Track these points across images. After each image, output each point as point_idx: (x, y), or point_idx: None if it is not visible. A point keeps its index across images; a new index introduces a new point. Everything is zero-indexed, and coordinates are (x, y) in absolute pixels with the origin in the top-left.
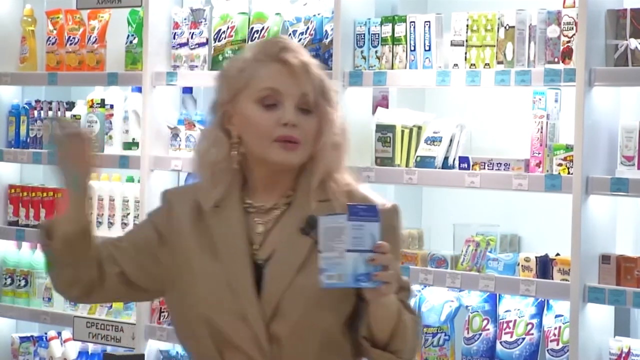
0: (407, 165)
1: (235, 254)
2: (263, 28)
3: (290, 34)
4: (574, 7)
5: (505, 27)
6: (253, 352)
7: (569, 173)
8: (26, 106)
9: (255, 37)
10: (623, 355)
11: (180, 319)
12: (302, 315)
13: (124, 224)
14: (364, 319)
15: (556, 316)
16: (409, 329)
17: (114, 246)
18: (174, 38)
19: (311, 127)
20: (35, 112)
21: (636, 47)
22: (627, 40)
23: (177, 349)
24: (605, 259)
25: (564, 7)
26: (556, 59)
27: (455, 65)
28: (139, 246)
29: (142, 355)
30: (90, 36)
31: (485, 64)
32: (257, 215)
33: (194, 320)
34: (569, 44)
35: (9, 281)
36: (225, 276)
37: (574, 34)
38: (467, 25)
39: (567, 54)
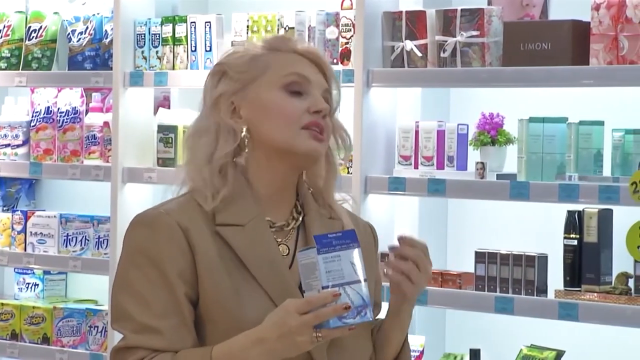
0: None
1: (286, 290)
2: (41, 27)
3: (69, 33)
4: (352, 9)
5: (285, 28)
6: None
7: (348, 173)
8: None
9: (33, 37)
10: None
11: None
12: (355, 346)
13: None
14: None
15: None
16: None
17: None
18: None
19: (329, 128)
20: None
21: (412, 49)
22: (403, 42)
23: None
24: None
25: (341, 9)
26: (335, 60)
27: None
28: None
29: None
30: None
31: None
32: (276, 235)
33: None
34: (347, 46)
35: None
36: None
37: (352, 36)
38: (248, 26)
39: (345, 55)
